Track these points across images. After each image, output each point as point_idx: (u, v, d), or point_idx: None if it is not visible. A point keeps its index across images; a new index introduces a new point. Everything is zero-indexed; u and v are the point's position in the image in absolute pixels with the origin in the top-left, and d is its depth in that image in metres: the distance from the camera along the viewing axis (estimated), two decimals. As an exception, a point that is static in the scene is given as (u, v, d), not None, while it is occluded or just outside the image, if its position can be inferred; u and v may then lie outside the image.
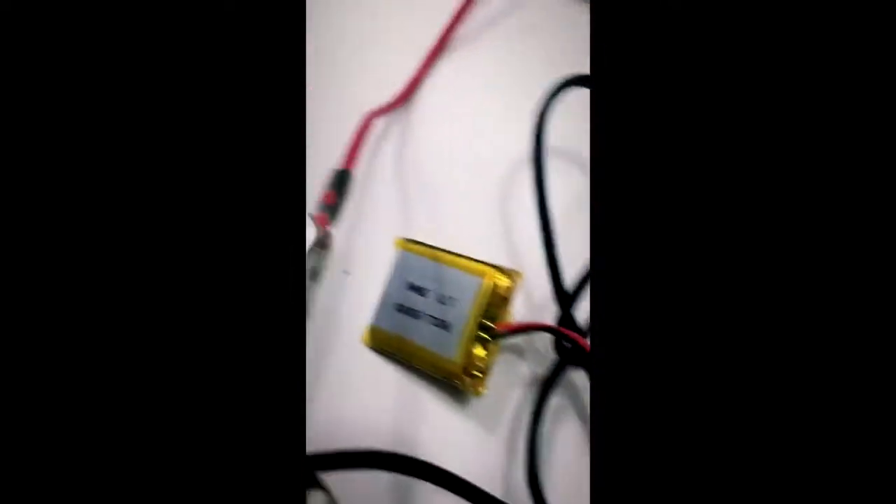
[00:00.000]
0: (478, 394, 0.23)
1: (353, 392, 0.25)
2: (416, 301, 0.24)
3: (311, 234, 0.22)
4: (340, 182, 0.26)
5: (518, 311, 0.24)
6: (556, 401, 0.23)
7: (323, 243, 0.23)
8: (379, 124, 0.28)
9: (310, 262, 0.23)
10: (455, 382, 0.23)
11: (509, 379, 0.24)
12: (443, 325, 0.23)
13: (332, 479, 0.20)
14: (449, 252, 0.25)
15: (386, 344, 0.25)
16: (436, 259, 0.25)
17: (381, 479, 0.22)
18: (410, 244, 0.26)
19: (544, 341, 0.24)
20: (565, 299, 0.22)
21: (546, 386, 0.22)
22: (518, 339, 0.24)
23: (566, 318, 0.22)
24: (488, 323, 0.23)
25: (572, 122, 0.24)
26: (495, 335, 0.23)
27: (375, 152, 0.29)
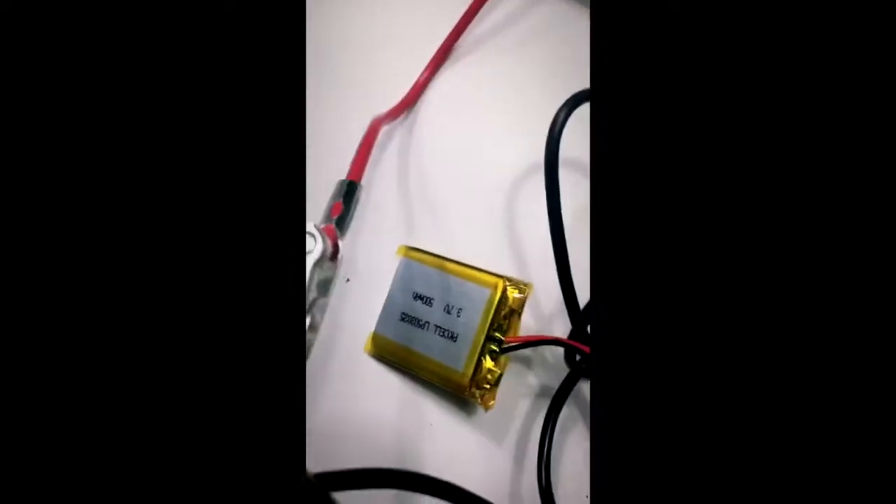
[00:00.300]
0: (487, 407, 0.22)
1: (356, 401, 0.24)
2: (421, 311, 0.24)
3: (319, 247, 0.21)
4: (348, 193, 0.25)
5: (527, 323, 0.24)
6: (565, 412, 0.22)
7: (332, 256, 0.23)
8: (382, 130, 0.28)
9: (319, 275, 0.22)
10: (464, 395, 0.22)
11: (518, 390, 0.23)
12: (450, 336, 0.23)
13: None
14: (454, 261, 0.24)
15: (389, 353, 0.24)
16: (441, 268, 0.24)
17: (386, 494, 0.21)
18: (414, 252, 0.25)
19: (553, 353, 0.23)
20: (577, 312, 0.22)
21: (557, 399, 0.22)
22: (527, 351, 0.24)
23: (578, 330, 0.22)
24: (497, 335, 0.22)
25: (582, 132, 0.23)
26: (505, 348, 0.22)
27: (378, 158, 0.28)
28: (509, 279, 0.23)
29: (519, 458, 0.22)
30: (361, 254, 0.27)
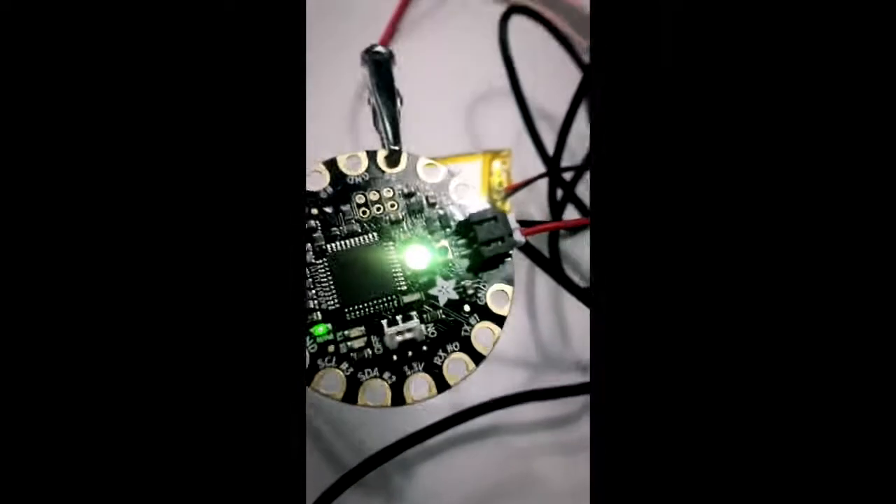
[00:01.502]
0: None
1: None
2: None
3: None
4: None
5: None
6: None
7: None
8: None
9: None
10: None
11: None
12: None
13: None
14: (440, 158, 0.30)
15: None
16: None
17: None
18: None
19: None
20: (550, 160, 0.28)
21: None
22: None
23: (554, 172, 0.28)
24: (495, 194, 0.28)
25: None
26: (503, 196, 0.28)
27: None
28: (490, 151, 0.29)
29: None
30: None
